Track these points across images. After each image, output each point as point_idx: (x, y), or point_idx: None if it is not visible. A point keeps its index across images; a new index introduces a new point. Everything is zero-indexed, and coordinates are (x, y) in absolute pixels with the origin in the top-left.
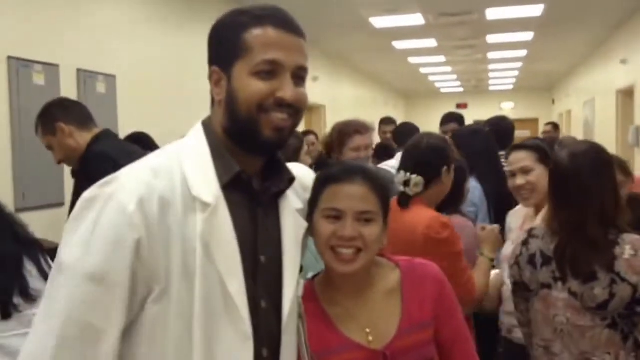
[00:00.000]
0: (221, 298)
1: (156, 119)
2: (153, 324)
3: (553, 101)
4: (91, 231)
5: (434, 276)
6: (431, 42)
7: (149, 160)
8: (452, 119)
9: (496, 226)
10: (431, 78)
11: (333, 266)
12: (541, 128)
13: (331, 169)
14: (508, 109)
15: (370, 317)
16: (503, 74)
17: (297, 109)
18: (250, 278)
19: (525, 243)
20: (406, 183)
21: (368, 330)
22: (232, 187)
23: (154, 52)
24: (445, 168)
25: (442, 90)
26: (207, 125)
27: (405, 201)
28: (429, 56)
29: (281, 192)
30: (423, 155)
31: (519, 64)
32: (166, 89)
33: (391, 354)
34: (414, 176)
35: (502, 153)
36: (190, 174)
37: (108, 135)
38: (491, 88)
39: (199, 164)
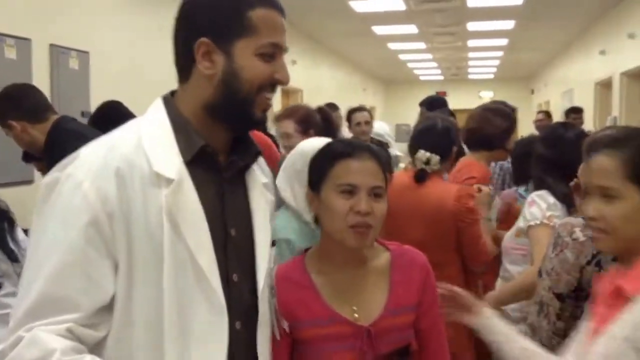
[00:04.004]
0: (192, 272)
1: (130, 97)
2: (120, 304)
3: (532, 91)
4: (52, 213)
5: (422, 264)
6: (411, 28)
7: (107, 137)
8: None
9: (488, 187)
10: (410, 65)
11: (349, 242)
12: (521, 117)
13: (335, 144)
14: (487, 98)
15: (358, 294)
16: (483, 63)
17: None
18: (220, 251)
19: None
20: (427, 161)
21: (355, 307)
22: (196, 162)
23: (130, 29)
24: (454, 147)
25: (422, 78)
26: (168, 100)
27: (423, 177)
28: (409, 42)
29: (247, 167)
30: (439, 137)
31: (499, 53)
32: (141, 67)
33: (375, 332)
34: (433, 155)
35: None
36: (150, 150)
37: (68, 120)
38: (471, 77)
39: (159, 140)
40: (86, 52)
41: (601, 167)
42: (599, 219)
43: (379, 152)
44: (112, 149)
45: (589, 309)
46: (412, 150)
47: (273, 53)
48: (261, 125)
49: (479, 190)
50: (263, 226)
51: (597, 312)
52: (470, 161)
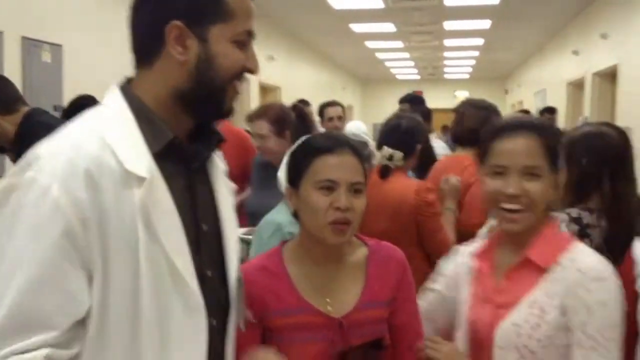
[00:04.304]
0: (169, 275)
1: (103, 92)
2: (95, 316)
3: (506, 91)
4: (15, 223)
5: (399, 260)
6: (389, 27)
7: (65, 134)
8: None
9: (457, 178)
10: (388, 64)
11: (328, 238)
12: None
13: (314, 139)
14: (462, 97)
15: (333, 287)
16: (459, 62)
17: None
18: (194, 249)
19: None
20: (390, 157)
21: (329, 300)
22: (164, 154)
23: (104, 23)
24: (418, 145)
25: (399, 77)
26: (126, 89)
27: (387, 173)
28: (387, 41)
29: (209, 155)
30: (403, 135)
31: (475, 53)
32: (115, 62)
33: (347, 324)
34: (396, 152)
35: None
36: (117, 146)
37: (40, 113)
38: (447, 76)
39: (124, 133)
40: (59, 46)
41: (528, 147)
42: (522, 196)
43: (358, 146)
44: (76, 147)
45: (472, 283)
46: (378, 147)
47: (246, 41)
48: (230, 115)
49: (447, 181)
50: (230, 217)
51: (501, 286)
52: (469, 158)
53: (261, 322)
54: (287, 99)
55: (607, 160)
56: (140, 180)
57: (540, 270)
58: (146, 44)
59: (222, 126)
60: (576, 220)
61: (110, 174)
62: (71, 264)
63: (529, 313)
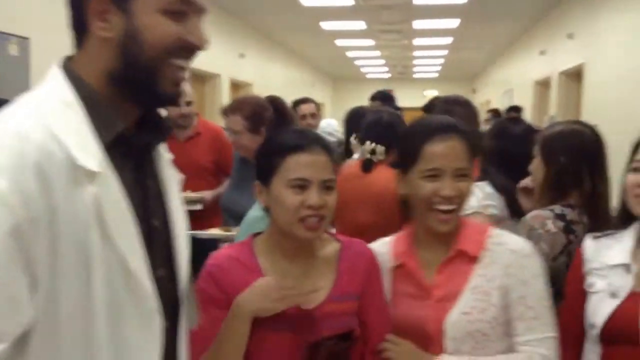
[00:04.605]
0: (122, 278)
1: None
2: (43, 326)
3: (474, 91)
4: None
5: (369, 257)
6: (359, 24)
7: (8, 123)
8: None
9: None
10: (358, 62)
11: (299, 234)
12: None
13: (285, 136)
14: (431, 96)
15: (304, 280)
16: (428, 62)
17: (195, 55)
18: (146, 247)
19: None
20: (373, 151)
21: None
22: (113, 145)
23: None
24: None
25: (368, 76)
26: (71, 71)
27: (369, 166)
28: (357, 39)
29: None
30: (384, 129)
31: (444, 52)
32: None
33: (318, 316)
34: (378, 146)
35: None
36: (66, 136)
37: (3, 103)
38: (416, 75)
39: (72, 122)
40: (26, 39)
41: (459, 150)
42: (457, 197)
43: (328, 143)
44: (23, 137)
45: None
46: (361, 142)
47: (183, 10)
48: (174, 102)
49: None
50: (179, 210)
51: (435, 281)
52: None
53: None
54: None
55: (585, 157)
56: (92, 175)
57: (472, 259)
58: (74, 20)
59: (198, 122)
60: (561, 217)
61: (59, 168)
62: (16, 267)
63: (474, 299)
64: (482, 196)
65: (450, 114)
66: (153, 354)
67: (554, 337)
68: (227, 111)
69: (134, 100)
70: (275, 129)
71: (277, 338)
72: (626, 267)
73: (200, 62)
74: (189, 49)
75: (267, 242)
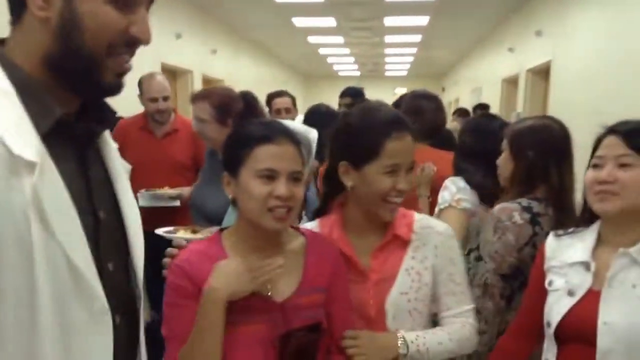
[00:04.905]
0: (67, 273)
1: None
2: None
3: (443, 89)
4: None
5: (334, 251)
6: (330, 21)
7: None
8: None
9: (433, 168)
10: (330, 60)
11: (267, 224)
12: None
13: (253, 127)
14: (401, 93)
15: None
16: (398, 59)
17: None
18: (92, 240)
19: None
20: None
21: (269, 285)
22: (52, 134)
23: None
24: None
25: (340, 74)
26: (2, 56)
27: None
28: (328, 36)
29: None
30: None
31: (413, 50)
32: None
33: (288, 308)
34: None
35: None
36: (0, 125)
37: None
38: (387, 74)
39: (6, 111)
40: None
41: (411, 145)
42: (407, 190)
43: (298, 135)
44: None
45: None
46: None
47: (130, 1)
48: (115, 93)
49: (422, 169)
50: (129, 201)
51: (372, 266)
52: (435, 153)
53: None
54: None
55: (553, 152)
56: (30, 165)
57: (404, 242)
58: None
59: (175, 118)
60: (527, 209)
61: None
62: None
63: (410, 280)
64: (455, 190)
65: (419, 108)
66: (106, 353)
67: (474, 308)
68: (196, 98)
69: (72, 90)
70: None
71: (248, 332)
72: (585, 264)
73: (173, 58)
74: (132, 43)
75: (235, 236)
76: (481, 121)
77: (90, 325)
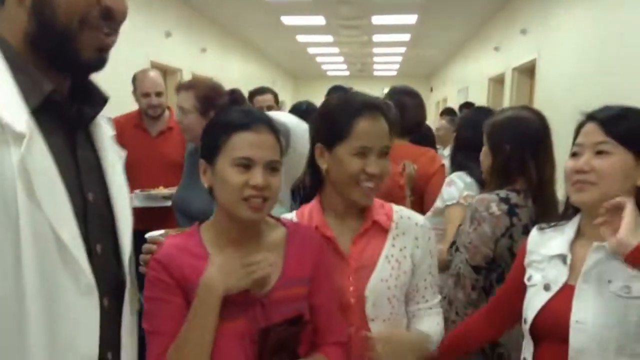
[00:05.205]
0: (54, 248)
1: None
2: None
3: (431, 89)
4: None
5: (317, 240)
6: (319, 20)
7: None
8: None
9: (414, 166)
10: (319, 59)
11: (242, 214)
12: None
13: (231, 114)
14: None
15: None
16: (387, 59)
17: (121, 23)
18: (80, 220)
19: None
20: None
21: (266, 282)
22: (41, 111)
23: None
24: None
25: (329, 74)
26: None
27: None
28: (317, 35)
29: (93, 117)
30: None
31: (402, 49)
32: None
33: (269, 302)
34: None
35: None
36: None
37: None
38: (375, 73)
39: None
40: None
41: (384, 128)
42: (381, 175)
43: (276, 124)
44: None
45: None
46: None
47: None
48: (97, 69)
49: (403, 168)
50: (119, 186)
51: (352, 252)
52: (416, 149)
53: (186, 298)
54: None
55: (529, 144)
56: (19, 137)
57: (384, 230)
58: None
59: (170, 116)
60: (505, 200)
61: None
62: None
63: (390, 267)
64: (462, 186)
65: (402, 105)
66: (91, 333)
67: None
68: (181, 87)
69: (53, 66)
70: None
71: (230, 325)
72: (562, 257)
73: (162, 56)
74: (108, 15)
75: (213, 229)
76: (478, 116)
77: (77, 301)
